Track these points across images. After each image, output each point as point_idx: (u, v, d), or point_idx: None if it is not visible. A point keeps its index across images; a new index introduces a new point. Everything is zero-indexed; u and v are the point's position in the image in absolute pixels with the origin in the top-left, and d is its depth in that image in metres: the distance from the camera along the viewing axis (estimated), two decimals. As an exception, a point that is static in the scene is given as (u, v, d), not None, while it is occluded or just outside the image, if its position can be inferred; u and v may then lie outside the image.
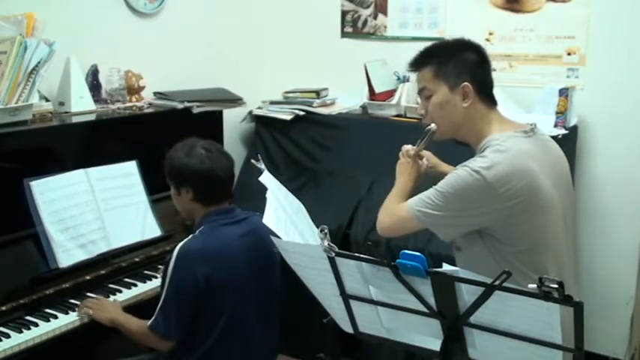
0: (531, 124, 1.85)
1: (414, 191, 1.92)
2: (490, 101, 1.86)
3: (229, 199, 2.20)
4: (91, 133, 2.61)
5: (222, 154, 2.17)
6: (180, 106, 2.89)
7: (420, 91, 1.89)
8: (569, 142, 2.78)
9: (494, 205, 1.69)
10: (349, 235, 2.90)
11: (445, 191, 1.73)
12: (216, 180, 2.12)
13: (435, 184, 1.81)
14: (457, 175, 1.73)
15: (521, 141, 1.77)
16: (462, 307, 1.35)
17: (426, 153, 2.08)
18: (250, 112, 3.41)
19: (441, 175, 2.01)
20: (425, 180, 2.01)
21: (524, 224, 1.71)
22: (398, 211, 1.88)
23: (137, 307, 2.29)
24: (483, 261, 1.77)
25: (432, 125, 1.87)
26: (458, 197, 1.71)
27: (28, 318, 2.12)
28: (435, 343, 1.45)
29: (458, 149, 1.99)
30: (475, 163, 1.72)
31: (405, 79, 3.26)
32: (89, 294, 2.29)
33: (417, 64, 1.89)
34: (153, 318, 2.06)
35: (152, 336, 2.06)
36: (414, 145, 2.01)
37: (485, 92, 1.84)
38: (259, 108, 3.41)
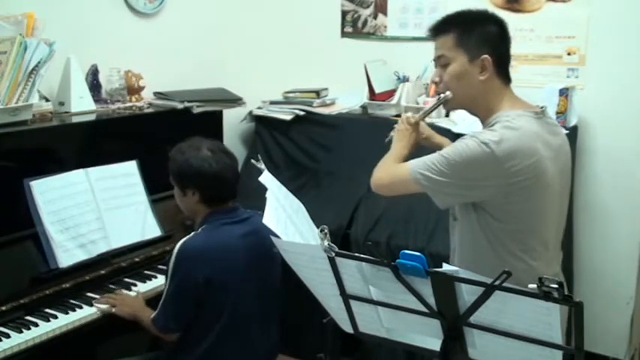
0: (541, 107, 1.84)
1: (409, 160, 1.93)
2: (505, 77, 1.84)
3: (234, 198, 2.20)
4: (91, 133, 2.61)
5: (227, 155, 2.17)
6: (180, 106, 2.89)
7: (437, 59, 1.86)
8: (569, 142, 2.77)
9: (497, 180, 1.69)
10: (349, 235, 2.90)
11: (451, 158, 1.72)
12: (223, 182, 2.12)
13: (428, 154, 1.81)
14: (465, 144, 1.72)
15: (532, 121, 1.76)
16: (462, 307, 1.34)
17: (421, 123, 2.07)
18: (250, 112, 3.41)
19: (435, 147, 2.04)
20: (419, 150, 2.02)
21: (521, 204, 1.72)
22: (398, 170, 1.88)
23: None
24: (475, 235, 1.79)
25: (448, 93, 1.85)
26: (463, 166, 1.71)
27: (28, 318, 2.12)
28: (435, 343, 1.45)
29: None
30: (485, 135, 1.71)
31: (405, 79, 3.26)
32: (89, 294, 2.29)
33: (439, 30, 1.85)
34: (156, 311, 2.10)
35: (154, 328, 2.10)
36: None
37: (502, 67, 1.83)
38: (259, 108, 3.41)
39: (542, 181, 1.72)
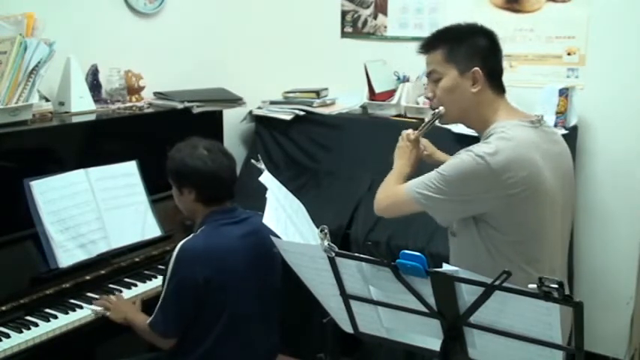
0: (538, 115, 1.84)
1: (412, 177, 1.92)
2: (499, 88, 1.84)
3: (231, 199, 2.20)
4: (91, 133, 2.61)
5: (224, 155, 2.17)
6: (180, 106, 2.89)
7: (429, 74, 1.87)
8: (569, 142, 2.72)
9: (495, 192, 1.68)
10: (349, 235, 2.90)
11: (447, 175, 1.72)
12: (219, 181, 2.12)
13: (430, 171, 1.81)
14: (460, 159, 1.72)
15: (528, 131, 1.76)
16: (462, 307, 1.34)
17: (423, 140, 2.08)
18: (250, 112, 3.41)
19: (438, 163, 2.01)
20: (421, 167, 2.02)
21: (521, 215, 1.71)
22: (396, 192, 1.88)
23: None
24: (477, 248, 1.78)
25: (441, 108, 1.85)
26: (460, 181, 1.71)
27: (28, 318, 2.12)
28: (435, 343, 1.45)
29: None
30: (479, 148, 1.71)
31: (405, 79, 3.26)
32: (89, 294, 2.29)
33: (428, 46, 1.86)
34: (153, 315, 2.08)
35: (152, 333, 2.09)
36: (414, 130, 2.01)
37: (494, 79, 1.83)
38: (259, 108, 3.41)
39: (540, 190, 1.71)
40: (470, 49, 1.80)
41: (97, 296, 2.28)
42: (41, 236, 2.24)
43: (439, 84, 1.84)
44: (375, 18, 3.44)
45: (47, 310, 2.17)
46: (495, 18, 3.10)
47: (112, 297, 2.29)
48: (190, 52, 3.24)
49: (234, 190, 2.21)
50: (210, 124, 3.04)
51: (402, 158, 2.00)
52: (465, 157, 1.71)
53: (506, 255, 1.73)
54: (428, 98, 1.91)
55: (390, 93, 3.24)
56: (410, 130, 2.02)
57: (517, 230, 1.73)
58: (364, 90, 3.26)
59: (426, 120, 1.97)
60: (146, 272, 2.50)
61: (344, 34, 3.55)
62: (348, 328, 1.60)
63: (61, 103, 2.62)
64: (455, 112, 1.85)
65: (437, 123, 1.95)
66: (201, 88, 3.13)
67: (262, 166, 1.99)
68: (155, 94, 2.99)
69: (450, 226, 1.90)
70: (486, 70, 1.80)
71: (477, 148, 1.71)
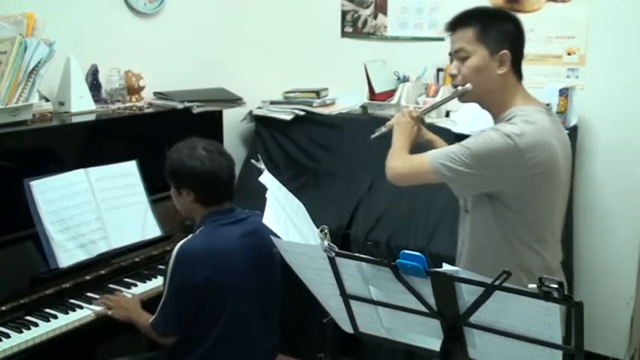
0: (547, 104, 1.91)
1: (412, 152, 1.98)
2: (519, 74, 1.90)
3: (230, 199, 2.20)
4: (91, 133, 2.61)
5: (222, 155, 2.17)
6: (180, 106, 2.89)
7: (456, 52, 1.89)
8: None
9: (518, 171, 1.75)
10: (349, 235, 2.90)
11: (474, 149, 1.77)
12: (217, 182, 2.12)
13: (423, 150, 1.89)
14: (489, 136, 1.77)
15: (545, 117, 1.83)
16: (462, 307, 1.34)
17: None
18: (250, 112, 3.41)
19: (426, 142, 2.12)
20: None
21: (537, 195, 1.79)
22: (415, 161, 1.92)
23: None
24: (489, 227, 1.84)
25: (468, 85, 1.87)
26: (487, 157, 1.76)
27: (28, 318, 2.12)
28: (435, 343, 1.45)
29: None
30: (507, 128, 1.76)
31: (405, 79, 3.26)
32: (89, 294, 2.29)
33: (458, 23, 1.88)
34: (154, 315, 2.09)
35: (153, 332, 2.09)
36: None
37: (517, 64, 1.89)
38: (259, 108, 3.41)
39: (555, 172, 1.79)
40: (500, 32, 1.85)
41: (97, 296, 2.28)
42: (41, 236, 2.24)
43: (466, 62, 1.86)
44: (375, 18, 3.44)
45: (47, 310, 2.17)
46: (495, 18, 3.10)
47: (114, 295, 2.29)
48: (190, 52, 3.24)
49: (233, 191, 2.21)
50: (210, 124, 3.04)
51: (403, 133, 2.04)
52: (493, 134, 1.77)
53: (519, 234, 1.81)
54: (451, 75, 1.94)
55: (390, 93, 3.24)
56: (412, 107, 2.07)
57: (531, 209, 1.80)
58: (364, 90, 3.26)
59: (444, 97, 1.99)
60: (146, 272, 2.50)
61: (344, 34, 3.55)
62: (348, 328, 1.60)
63: (61, 103, 2.62)
64: (479, 91, 1.88)
65: (456, 100, 1.97)
66: (201, 88, 3.13)
67: (262, 166, 1.99)
68: (155, 94, 2.99)
69: (463, 203, 1.96)
70: (513, 55, 1.85)
71: (504, 128, 1.76)
